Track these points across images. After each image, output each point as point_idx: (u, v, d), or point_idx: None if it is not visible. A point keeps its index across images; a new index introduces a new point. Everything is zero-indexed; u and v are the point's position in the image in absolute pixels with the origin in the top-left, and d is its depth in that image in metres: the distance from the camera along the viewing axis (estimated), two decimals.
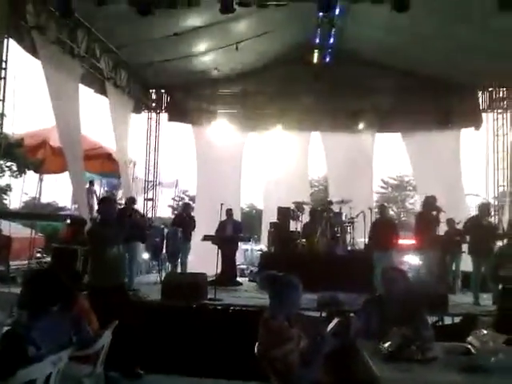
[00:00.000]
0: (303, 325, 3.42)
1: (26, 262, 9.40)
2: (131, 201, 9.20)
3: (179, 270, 9.72)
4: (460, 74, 10.89)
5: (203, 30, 9.45)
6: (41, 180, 11.97)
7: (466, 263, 8.68)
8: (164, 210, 17.88)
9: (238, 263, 10.79)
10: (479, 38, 8.85)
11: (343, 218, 10.46)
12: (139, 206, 12.19)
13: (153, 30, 8.69)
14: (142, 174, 13.14)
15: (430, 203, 8.45)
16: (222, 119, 12.73)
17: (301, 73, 11.48)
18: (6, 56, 7.13)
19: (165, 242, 9.81)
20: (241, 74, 12.24)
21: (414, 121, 12.16)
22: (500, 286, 6.79)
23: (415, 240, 8.66)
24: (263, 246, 12.25)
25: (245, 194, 16.59)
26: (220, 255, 8.50)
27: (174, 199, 22.88)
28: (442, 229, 9.01)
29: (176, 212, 17.29)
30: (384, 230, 8.64)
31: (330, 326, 3.20)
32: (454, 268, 9.22)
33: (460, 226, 8.86)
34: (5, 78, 7.13)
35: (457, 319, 6.28)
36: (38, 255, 10.52)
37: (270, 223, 10.77)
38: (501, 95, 12.01)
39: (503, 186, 11.55)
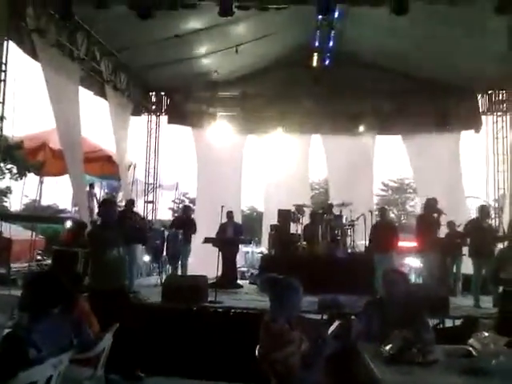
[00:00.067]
0: (304, 327, 3.41)
1: (27, 264, 9.41)
2: (131, 203, 9.21)
3: (180, 272, 9.72)
4: (460, 77, 10.91)
5: (203, 33, 9.47)
6: (41, 182, 11.96)
7: (467, 266, 8.68)
8: (164, 213, 17.86)
9: (238, 266, 10.80)
10: (478, 41, 8.88)
11: (344, 221, 10.48)
12: (140, 208, 12.21)
13: (152, 33, 8.70)
14: (142, 177, 13.14)
15: (431, 205, 8.45)
16: (221, 122, 12.73)
17: (300, 76, 11.48)
18: (6, 58, 7.14)
19: (165, 244, 9.81)
20: (241, 77, 12.25)
21: (414, 123, 12.16)
22: (501, 289, 6.78)
23: (416, 242, 8.66)
24: (264, 248, 12.24)
25: (245, 196, 16.61)
26: (221, 257, 8.50)
27: (174, 202, 22.89)
28: (443, 231, 9.01)
29: (176, 214, 17.28)
30: (384, 232, 8.65)
31: (331, 328, 3.21)
32: (454, 270, 9.21)
33: (460, 229, 8.86)
34: (5, 81, 7.14)
35: (458, 322, 6.28)
36: (39, 257, 10.53)
37: (271, 226, 10.77)
38: (500, 98, 12.00)
39: (503, 188, 11.54)
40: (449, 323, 6.29)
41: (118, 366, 4.52)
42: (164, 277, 8.91)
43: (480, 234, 7.98)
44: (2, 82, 7.13)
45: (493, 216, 10.68)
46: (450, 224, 9.24)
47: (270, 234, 10.67)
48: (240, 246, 10.74)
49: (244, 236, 10.63)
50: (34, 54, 7.62)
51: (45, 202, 20.00)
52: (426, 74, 11.17)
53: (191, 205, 13.87)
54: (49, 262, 9.48)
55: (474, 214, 9.81)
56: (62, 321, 3.24)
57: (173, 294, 6.87)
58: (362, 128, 12.37)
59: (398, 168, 30.31)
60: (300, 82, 11.60)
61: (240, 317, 6.42)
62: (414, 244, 9.03)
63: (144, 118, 13.15)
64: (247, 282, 10.51)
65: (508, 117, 11.80)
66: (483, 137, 12.34)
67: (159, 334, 6.07)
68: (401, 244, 9.10)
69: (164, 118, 13.24)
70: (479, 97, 12.37)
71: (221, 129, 12.75)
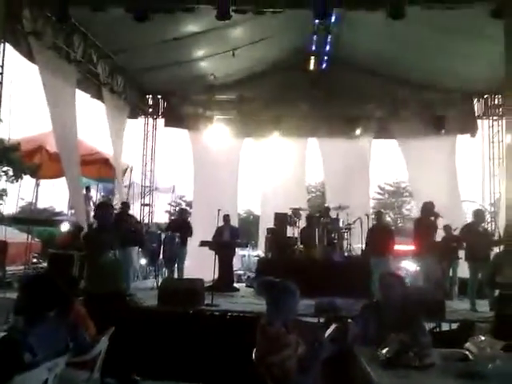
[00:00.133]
0: (301, 331, 3.41)
1: (23, 267, 9.36)
2: (125, 206, 9.19)
3: (176, 275, 9.70)
4: (456, 81, 10.95)
5: (200, 37, 9.49)
6: (37, 185, 11.91)
7: (463, 269, 8.69)
8: (161, 216, 17.84)
9: (235, 269, 10.77)
10: (474, 45, 8.92)
11: (340, 224, 10.48)
12: (136, 211, 12.19)
13: (149, 36, 8.71)
14: (138, 180, 13.13)
15: (428, 209, 8.46)
16: (218, 125, 12.72)
17: (297, 79, 11.51)
18: (3, 61, 7.14)
19: (162, 247, 9.78)
20: (237, 80, 12.25)
21: (410, 127, 12.18)
22: (497, 292, 6.79)
23: (414, 245, 8.66)
24: (260, 251, 12.23)
25: (242, 199, 16.63)
26: (217, 261, 8.48)
27: (170, 204, 22.83)
28: (439, 235, 9.03)
29: (173, 217, 17.26)
30: (381, 236, 8.67)
31: (328, 331, 3.19)
32: (451, 274, 9.21)
33: (457, 233, 8.88)
34: (1, 83, 7.12)
35: (454, 325, 6.27)
36: (35, 260, 10.48)
37: (268, 229, 10.75)
38: (496, 102, 12.06)
39: (499, 192, 11.58)
40: (445, 327, 6.28)
41: (114, 369, 4.50)
42: (160, 280, 8.88)
43: (476, 237, 8.00)
44: None
45: (489, 220, 10.73)
46: (447, 228, 9.26)
47: (267, 237, 10.65)
48: (236, 249, 10.71)
49: (240, 239, 10.61)
50: (30, 56, 7.61)
51: (41, 205, 19.97)
52: (422, 78, 11.20)
53: (188, 208, 13.85)
54: (44, 265, 9.44)
55: (470, 218, 9.84)
56: (58, 324, 3.22)
57: (169, 298, 6.84)
58: (358, 131, 12.42)
59: (395, 172, 30.54)
60: (297, 86, 11.63)
61: (236, 320, 6.40)
62: (410, 247, 9.05)
63: (141, 120, 13.17)
64: (244, 285, 10.49)
65: (504, 121, 11.84)
66: (479, 141, 12.42)
67: (155, 338, 6.05)
68: (397, 247, 9.12)
69: (161, 121, 13.27)
70: (475, 101, 12.44)
71: (217, 132, 12.74)
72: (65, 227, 9.48)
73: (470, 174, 13.68)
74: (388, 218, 29.49)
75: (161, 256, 9.76)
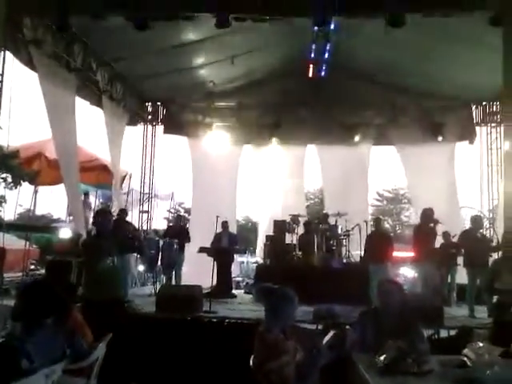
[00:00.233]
0: (299, 337, 3.40)
1: (20, 274, 9.34)
2: (123, 213, 9.18)
3: (174, 281, 9.68)
4: (454, 88, 10.99)
5: (199, 44, 9.51)
6: (36, 192, 11.92)
7: (462, 276, 8.69)
8: (160, 223, 17.81)
9: (233, 275, 10.77)
10: (473, 53, 8.97)
11: (339, 231, 10.49)
12: (135, 218, 12.18)
13: (149, 44, 8.73)
14: (137, 186, 13.13)
15: (427, 215, 8.47)
16: (217, 132, 12.75)
17: (296, 87, 11.52)
18: (3, 68, 7.15)
19: (160, 253, 9.77)
20: (237, 88, 12.26)
21: (409, 134, 12.21)
22: (495, 299, 6.79)
23: (414, 252, 8.66)
24: (259, 258, 12.23)
25: (240, 206, 16.59)
26: (215, 267, 8.48)
27: (169, 211, 22.81)
28: (438, 241, 9.04)
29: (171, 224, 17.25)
30: (379, 242, 8.68)
31: (326, 338, 3.19)
32: (449, 280, 9.21)
33: (455, 239, 8.89)
34: (0, 90, 7.14)
35: (452, 332, 6.25)
36: (32, 267, 10.46)
37: (266, 236, 10.77)
38: (494, 109, 12.11)
39: (498, 199, 11.60)
40: (443, 333, 6.26)
41: (111, 376, 4.49)
42: (158, 286, 8.87)
43: (474, 244, 8.01)
44: None
45: (487, 226, 10.73)
46: (445, 234, 9.28)
47: (266, 244, 10.65)
48: (235, 255, 10.73)
49: (239, 246, 10.62)
50: (30, 64, 7.65)
51: (39, 212, 19.96)
52: (420, 85, 11.22)
53: (186, 214, 13.84)
54: (42, 271, 9.41)
55: (468, 225, 9.85)
56: (56, 331, 3.22)
57: (167, 304, 6.83)
58: (357, 138, 12.43)
59: (393, 178, 30.56)
60: (296, 93, 11.67)
61: (235, 327, 6.39)
62: (408, 254, 9.04)
63: (140, 127, 13.18)
64: (242, 291, 10.48)
65: (502, 128, 11.88)
66: (477, 148, 12.45)
67: (153, 344, 6.03)
68: (395, 254, 9.11)
69: (160, 128, 13.27)
70: (473, 108, 12.48)
71: (217, 139, 12.76)
72: (63, 234, 9.45)
73: (468, 181, 13.69)
74: (386, 225, 29.54)
75: (159, 262, 9.75)
